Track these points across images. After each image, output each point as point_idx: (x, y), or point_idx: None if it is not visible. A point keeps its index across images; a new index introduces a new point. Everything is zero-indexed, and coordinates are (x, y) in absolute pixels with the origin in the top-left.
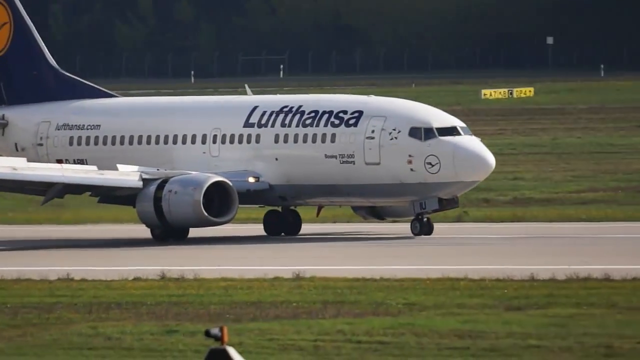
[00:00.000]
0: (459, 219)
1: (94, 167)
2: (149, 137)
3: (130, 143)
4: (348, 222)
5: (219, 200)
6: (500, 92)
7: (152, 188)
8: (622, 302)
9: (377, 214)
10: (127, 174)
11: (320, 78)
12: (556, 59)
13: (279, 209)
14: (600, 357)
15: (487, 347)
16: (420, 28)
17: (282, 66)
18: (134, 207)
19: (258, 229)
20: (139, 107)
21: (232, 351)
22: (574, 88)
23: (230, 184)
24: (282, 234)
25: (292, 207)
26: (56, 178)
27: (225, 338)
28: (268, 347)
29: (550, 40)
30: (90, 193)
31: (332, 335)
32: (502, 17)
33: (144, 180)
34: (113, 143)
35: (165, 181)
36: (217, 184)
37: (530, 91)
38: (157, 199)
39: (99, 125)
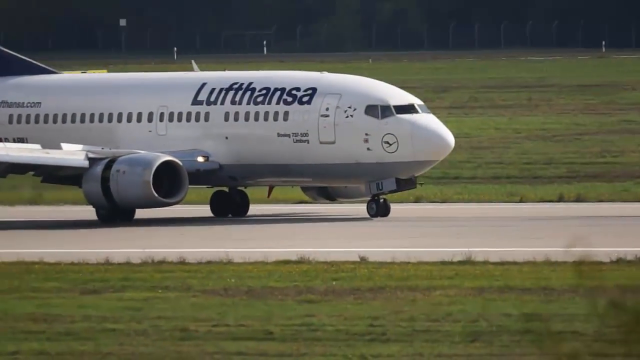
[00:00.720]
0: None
1: (38, 146)
2: (92, 115)
3: (73, 121)
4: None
5: (169, 181)
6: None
7: (99, 168)
8: (197, 285)
9: (328, 194)
10: (72, 153)
11: None
12: (130, 42)
13: (227, 189)
14: (175, 340)
15: (63, 330)
16: None
17: None
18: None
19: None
20: (82, 84)
21: None
22: (146, 70)
23: (181, 163)
24: (229, 215)
25: (240, 188)
26: (0, 157)
27: None
28: None
29: (123, 22)
30: (33, 173)
31: None
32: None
33: (90, 159)
34: (55, 121)
35: (112, 161)
36: (166, 163)
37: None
38: (105, 179)
39: (40, 103)
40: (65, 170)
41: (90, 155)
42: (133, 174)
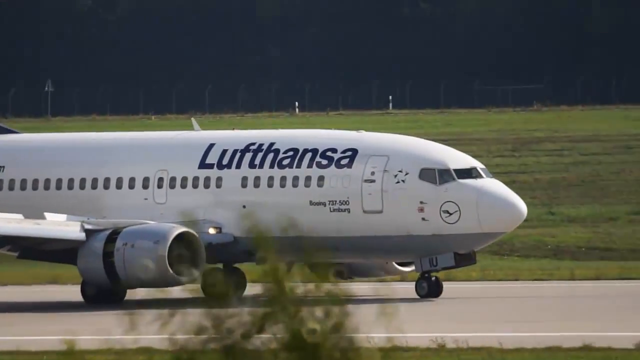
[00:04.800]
0: None
1: (20, 216)
2: (70, 180)
3: (46, 188)
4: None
5: (180, 256)
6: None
7: (100, 241)
8: None
9: (343, 272)
10: (65, 224)
11: None
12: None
13: (221, 266)
14: None
15: None
16: None
17: None
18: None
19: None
20: (57, 145)
21: None
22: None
23: (197, 235)
24: None
25: (236, 265)
26: None
27: None
28: None
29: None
30: (8, 247)
31: None
32: None
33: (86, 231)
34: (23, 188)
35: (116, 232)
36: (181, 236)
37: None
38: (107, 254)
39: (2, 167)
40: (55, 243)
41: (87, 226)
42: (144, 249)
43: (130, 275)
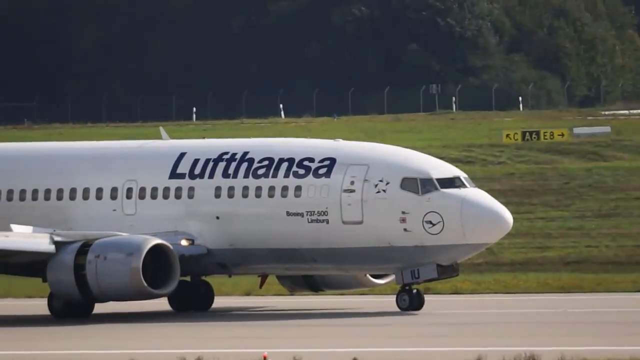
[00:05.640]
0: None
1: None
2: (35, 191)
3: (9, 199)
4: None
5: (153, 268)
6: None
7: (70, 254)
8: None
9: (313, 284)
10: (34, 236)
11: None
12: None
13: (188, 278)
14: None
15: None
16: None
17: None
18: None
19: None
20: (20, 154)
21: None
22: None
23: (171, 247)
24: (191, 309)
25: (204, 278)
26: None
27: None
28: None
29: None
30: None
31: None
32: None
33: (56, 243)
34: None
35: (87, 244)
36: (155, 248)
37: None
38: (78, 267)
39: None
40: (22, 256)
41: (57, 238)
42: (117, 261)
43: (104, 288)
